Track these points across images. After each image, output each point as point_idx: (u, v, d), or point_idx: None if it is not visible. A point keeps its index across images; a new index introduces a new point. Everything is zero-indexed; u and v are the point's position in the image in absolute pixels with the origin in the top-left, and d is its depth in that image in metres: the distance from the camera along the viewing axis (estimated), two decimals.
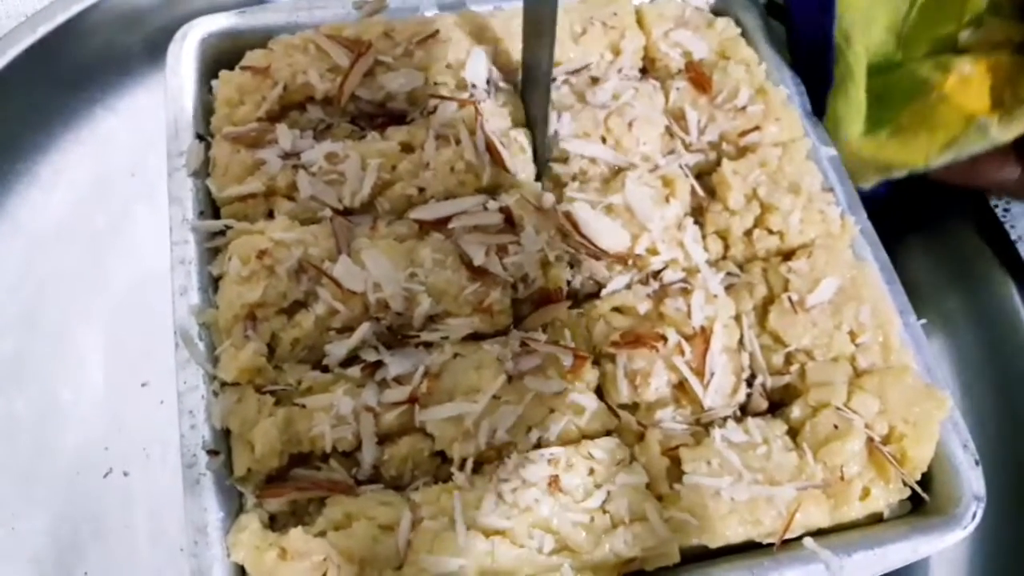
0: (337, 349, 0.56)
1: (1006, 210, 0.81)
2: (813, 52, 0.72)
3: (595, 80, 0.69)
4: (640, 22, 0.72)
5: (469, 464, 0.54)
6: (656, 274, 0.62)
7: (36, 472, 0.63)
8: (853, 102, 0.71)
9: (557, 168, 0.66)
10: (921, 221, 0.79)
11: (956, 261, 0.78)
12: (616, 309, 0.60)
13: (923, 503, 0.58)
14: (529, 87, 0.67)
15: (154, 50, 0.74)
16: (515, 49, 0.68)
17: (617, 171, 0.66)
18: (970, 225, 0.78)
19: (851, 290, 0.62)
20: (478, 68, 0.67)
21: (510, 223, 0.61)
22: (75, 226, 0.69)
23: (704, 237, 0.65)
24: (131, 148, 0.72)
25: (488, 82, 0.68)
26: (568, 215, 0.62)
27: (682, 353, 0.58)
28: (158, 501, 0.63)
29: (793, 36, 0.75)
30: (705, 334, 0.59)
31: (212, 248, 0.59)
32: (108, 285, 0.68)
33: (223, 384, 0.53)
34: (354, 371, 0.55)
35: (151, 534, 0.63)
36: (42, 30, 0.71)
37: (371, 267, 0.57)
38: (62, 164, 0.71)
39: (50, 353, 0.65)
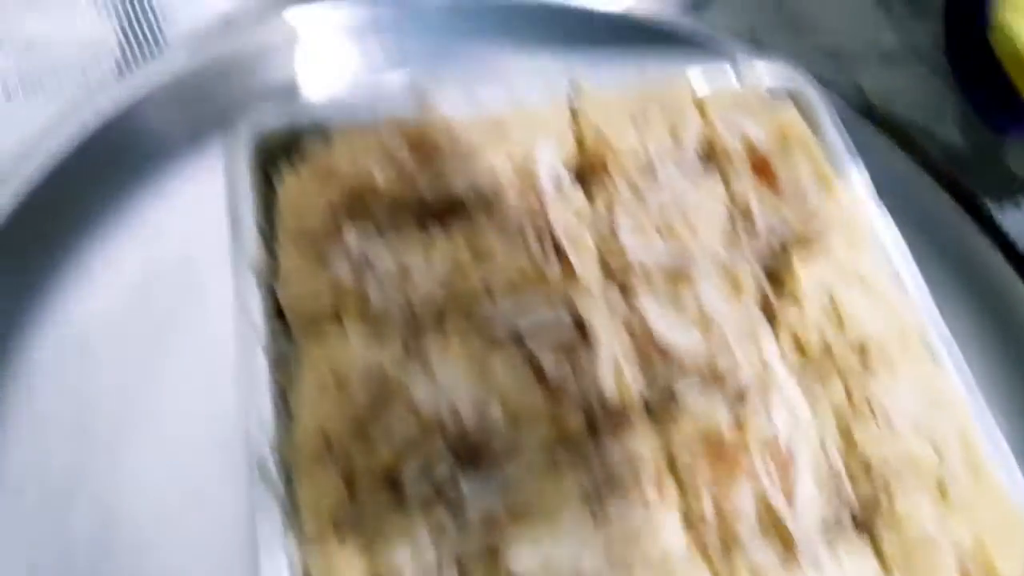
0: (413, 476, 0.54)
1: None
2: None
3: (652, 171, 0.68)
4: (699, 107, 0.71)
5: None
6: (733, 381, 0.61)
7: None
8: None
9: (619, 269, 0.64)
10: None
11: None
12: (694, 421, 0.58)
13: None
14: None
15: (202, 136, 0.73)
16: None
17: (681, 270, 0.64)
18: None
19: (933, 400, 0.60)
20: (544, 161, 0.66)
21: (580, 329, 0.60)
22: (126, 325, 0.67)
23: (777, 338, 0.63)
24: (181, 237, 0.70)
25: (552, 176, 0.67)
26: (640, 320, 0.61)
27: (767, 470, 0.56)
28: None
29: None
30: (789, 449, 0.57)
31: (281, 362, 0.57)
32: (162, 390, 0.65)
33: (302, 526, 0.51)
34: (433, 505, 0.53)
35: None
36: (88, 122, 0.70)
37: (444, 382, 0.56)
38: (111, 257, 0.69)
39: (103, 464, 0.63)
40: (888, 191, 0.72)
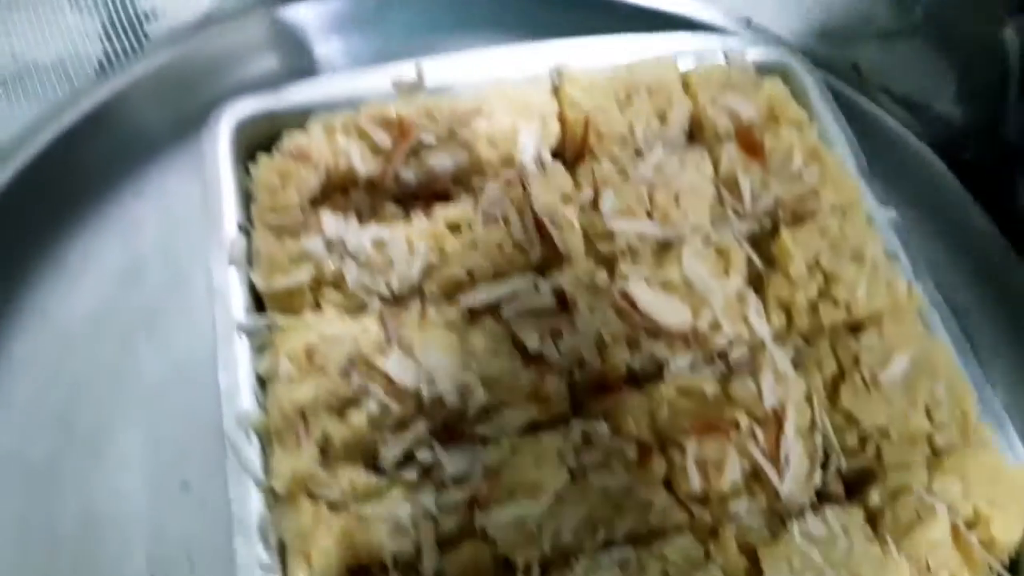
0: (391, 450, 0.53)
1: None
2: None
3: (639, 152, 0.67)
4: (686, 87, 0.70)
5: (535, 570, 0.51)
6: (721, 352, 0.60)
7: None
8: None
9: (604, 247, 0.63)
10: None
11: None
12: (681, 392, 0.57)
13: None
14: None
15: (183, 131, 0.72)
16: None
17: (667, 245, 0.63)
18: None
19: (924, 365, 0.59)
20: (527, 144, 0.65)
21: (563, 304, 0.59)
22: (106, 317, 0.67)
23: (766, 309, 0.62)
24: (161, 232, 0.70)
25: (535, 158, 0.66)
26: (624, 293, 0.60)
27: (755, 438, 0.55)
28: None
29: None
30: (777, 416, 0.56)
31: (259, 345, 0.56)
32: (142, 380, 0.65)
33: (276, 495, 0.51)
34: (410, 473, 0.52)
35: None
36: (67, 118, 0.70)
37: (422, 358, 0.55)
38: (91, 251, 0.69)
39: (86, 455, 0.62)
40: (882, 163, 0.71)
